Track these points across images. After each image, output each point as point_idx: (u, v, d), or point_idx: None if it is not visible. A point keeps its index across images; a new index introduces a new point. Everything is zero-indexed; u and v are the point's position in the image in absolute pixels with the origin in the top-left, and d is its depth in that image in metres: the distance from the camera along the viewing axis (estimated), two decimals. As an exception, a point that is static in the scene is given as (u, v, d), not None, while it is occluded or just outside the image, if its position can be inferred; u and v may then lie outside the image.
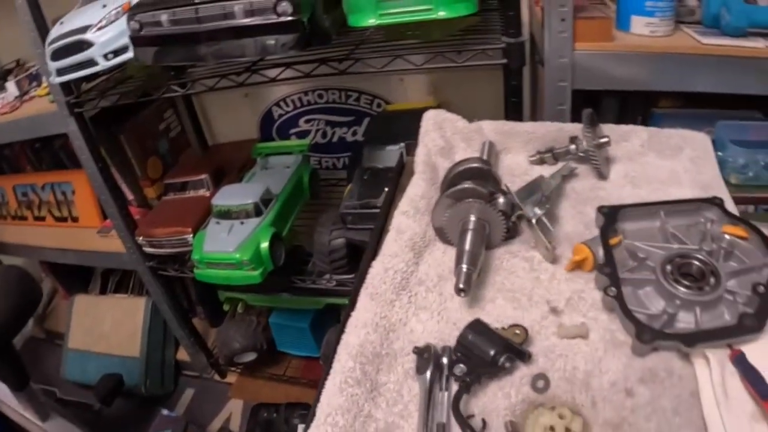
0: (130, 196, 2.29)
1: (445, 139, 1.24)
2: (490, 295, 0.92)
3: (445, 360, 0.80)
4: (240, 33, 1.34)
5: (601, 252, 0.92)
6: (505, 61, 1.42)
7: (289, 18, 1.30)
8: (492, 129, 1.26)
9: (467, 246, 0.91)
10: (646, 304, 0.88)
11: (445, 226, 0.99)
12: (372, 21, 1.34)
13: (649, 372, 0.79)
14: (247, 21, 1.33)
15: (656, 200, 1.04)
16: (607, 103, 1.68)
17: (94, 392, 2.37)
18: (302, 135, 2.37)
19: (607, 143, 1.15)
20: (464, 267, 0.88)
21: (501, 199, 0.98)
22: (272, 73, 1.63)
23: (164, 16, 1.38)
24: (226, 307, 2.41)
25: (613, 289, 0.86)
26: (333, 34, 1.44)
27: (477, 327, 0.81)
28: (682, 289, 0.85)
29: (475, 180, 0.99)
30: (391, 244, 1.00)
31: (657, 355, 0.81)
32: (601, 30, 1.42)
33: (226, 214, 1.80)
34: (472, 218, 0.95)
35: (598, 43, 1.43)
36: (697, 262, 0.90)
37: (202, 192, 2.09)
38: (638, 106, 1.72)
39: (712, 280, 0.86)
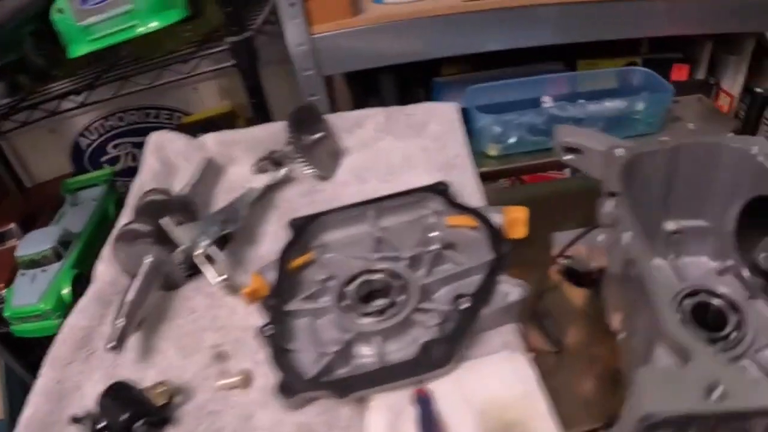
0: (-53, 260, 2.13)
1: (165, 162, 1.15)
2: (162, 346, 0.83)
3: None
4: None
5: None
6: (233, 62, 1.32)
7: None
8: (215, 141, 1.17)
9: (129, 296, 0.82)
10: (322, 339, 0.75)
11: (129, 270, 0.90)
12: (86, 49, 1.28)
13: (306, 428, 0.68)
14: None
15: (381, 194, 0.91)
16: (385, 81, 1.59)
17: (-37, 466, 2.24)
18: (114, 162, 2.26)
19: (323, 138, 1.07)
20: (117, 322, 0.79)
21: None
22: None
23: None
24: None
25: (271, 326, 0.73)
26: (51, 70, 1.36)
27: (115, 390, 0.73)
28: (360, 317, 0.73)
29: (144, 217, 0.90)
30: (84, 296, 0.91)
31: (318, 405, 0.69)
32: (338, 8, 1.34)
33: (30, 264, 1.68)
34: (146, 261, 0.87)
35: (339, 22, 1.34)
36: (384, 276, 0.77)
37: (13, 242, 1.95)
38: (417, 79, 1.63)
39: (401, 297, 0.74)
